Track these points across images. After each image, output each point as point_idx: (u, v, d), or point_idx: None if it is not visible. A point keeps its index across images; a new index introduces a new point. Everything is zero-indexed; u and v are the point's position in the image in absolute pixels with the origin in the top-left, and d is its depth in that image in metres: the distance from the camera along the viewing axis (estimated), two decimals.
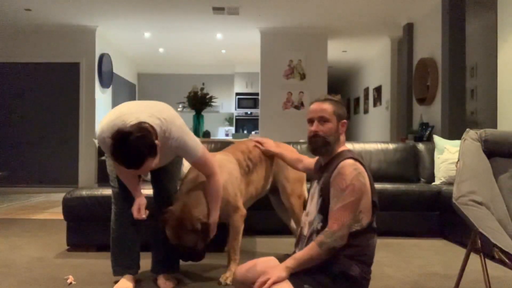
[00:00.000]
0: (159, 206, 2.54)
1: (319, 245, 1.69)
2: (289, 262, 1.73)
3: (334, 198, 1.72)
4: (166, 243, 2.53)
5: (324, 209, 1.78)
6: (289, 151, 2.80)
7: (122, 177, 2.45)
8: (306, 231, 1.86)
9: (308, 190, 2.03)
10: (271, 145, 2.88)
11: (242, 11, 6.85)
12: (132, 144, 2.06)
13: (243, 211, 2.67)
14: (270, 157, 2.91)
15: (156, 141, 2.15)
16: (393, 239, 3.77)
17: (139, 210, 2.41)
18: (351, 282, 1.73)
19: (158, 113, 2.27)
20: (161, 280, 2.53)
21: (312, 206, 1.86)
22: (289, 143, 4.21)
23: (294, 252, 1.90)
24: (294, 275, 1.70)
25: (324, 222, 1.76)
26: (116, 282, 2.50)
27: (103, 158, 3.53)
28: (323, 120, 1.85)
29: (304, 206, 2.21)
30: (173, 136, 2.28)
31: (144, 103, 2.41)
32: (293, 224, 3.12)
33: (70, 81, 7.84)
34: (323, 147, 1.87)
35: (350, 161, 1.75)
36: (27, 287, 2.54)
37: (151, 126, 2.17)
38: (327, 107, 1.86)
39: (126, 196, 2.50)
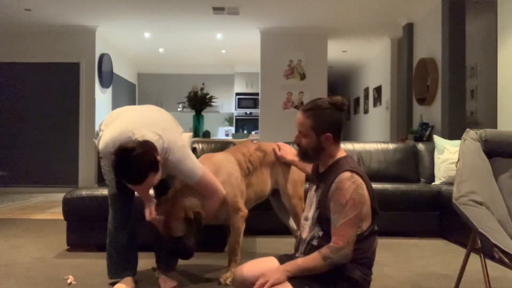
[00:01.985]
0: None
1: (324, 258, 1.68)
2: (290, 266, 1.72)
3: (336, 214, 1.71)
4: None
5: (322, 221, 1.78)
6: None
7: None
8: (305, 235, 1.85)
9: (306, 191, 2.02)
10: (288, 153, 2.88)
11: (242, 11, 6.85)
12: (134, 161, 2.09)
13: (244, 211, 2.66)
14: (271, 161, 2.90)
15: (158, 157, 2.18)
16: (393, 239, 3.77)
17: (150, 213, 2.36)
18: (353, 285, 1.73)
19: (161, 132, 2.30)
20: (161, 280, 2.53)
21: (311, 214, 1.85)
22: (289, 143, 4.21)
23: (294, 254, 1.90)
24: (294, 276, 1.70)
25: (324, 230, 1.76)
26: (112, 284, 2.50)
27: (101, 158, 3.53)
28: (301, 134, 1.84)
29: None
30: (171, 158, 2.30)
31: (148, 116, 2.41)
32: (292, 224, 3.11)
33: (70, 81, 7.83)
34: (305, 158, 1.89)
35: (347, 174, 1.73)
36: (27, 287, 2.54)
37: (153, 144, 2.20)
38: (305, 121, 1.81)
39: (122, 198, 2.50)
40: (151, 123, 2.33)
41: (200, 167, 2.40)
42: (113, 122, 2.42)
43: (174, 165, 2.33)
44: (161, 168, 2.25)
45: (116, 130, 2.28)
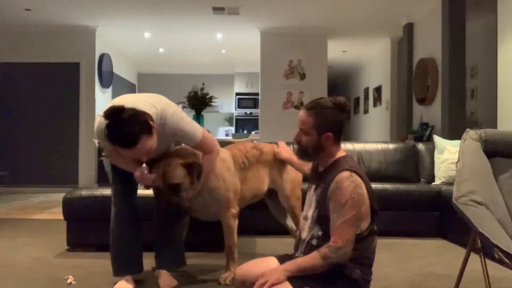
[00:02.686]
0: (159, 206, 2.55)
1: (323, 258, 1.68)
2: (289, 266, 1.72)
3: (335, 213, 1.71)
4: (168, 238, 2.53)
5: (321, 220, 1.78)
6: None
7: (120, 162, 2.40)
8: (305, 235, 1.85)
9: (304, 191, 2.02)
10: (285, 150, 2.88)
11: (242, 11, 6.86)
12: (125, 121, 2.08)
13: (235, 208, 2.63)
14: (268, 160, 2.90)
15: (152, 123, 2.17)
16: (393, 239, 3.77)
17: (142, 175, 2.31)
18: (353, 284, 1.73)
19: (154, 102, 2.30)
20: (161, 280, 2.53)
21: (310, 213, 1.85)
22: (289, 143, 4.21)
23: (294, 254, 1.90)
24: (294, 276, 1.70)
25: (324, 230, 1.76)
26: (115, 283, 2.50)
27: (102, 158, 3.53)
28: (302, 132, 1.84)
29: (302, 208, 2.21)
30: (168, 122, 2.29)
31: (140, 94, 2.43)
32: (291, 224, 3.11)
33: (70, 81, 7.84)
34: (304, 157, 1.89)
35: (346, 173, 1.72)
36: (27, 287, 2.54)
37: (145, 111, 2.19)
38: (308, 119, 1.81)
39: (126, 195, 2.50)
40: (142, 97, 2.34)
41: (199, 126, 2.41)
42: None
43: (173, 130, 2.32)
44: (159, 137, 2.24)
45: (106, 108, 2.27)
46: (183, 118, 2.36)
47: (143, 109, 2.19)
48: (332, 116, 1.81)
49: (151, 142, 2.16)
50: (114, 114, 2.10)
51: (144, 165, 2.38)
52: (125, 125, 2.08)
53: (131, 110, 2.12)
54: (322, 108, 1.81)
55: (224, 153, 2.70)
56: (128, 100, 2.27)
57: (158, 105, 2.29)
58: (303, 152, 1.87)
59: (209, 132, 2.61)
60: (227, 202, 2.59)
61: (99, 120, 2.25)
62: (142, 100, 2.29)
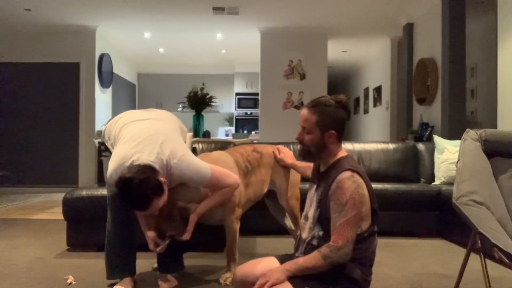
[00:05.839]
0: None
1: (324, 258, 1.68)
2: (290, 266, 1.72)
3: (336, 213, 1.71)
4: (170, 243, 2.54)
5: (322, 220, 1.78)
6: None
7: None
8: (305, 235, 1.85)
9: (304, 192, 2.02)
10: (289, 156, 2.89)
11: (242, 11, 6.86)
12: (136, 189, 2.11)
13: (238, 211, 2.65)
14: (268, 162, 2.91)
15: (162, 178, 2.19)
16: (393, 239, 3.77)
17: (155, 244, 2.37)
18: (353, 284, 1.73)
19: (159, 148, 2.29)
20: (161, 280, 2.53)
21: (311, 213, 1.85)
22: (289, 143, 4.22)
23: (294, 254, 1.90)
24: (294, 276, 1.70)
25: (325, 229, 1.77)
26: (110, 285, 2.49)
27: (102, 158, 3.53)
28: (305, 130, 1.84)
29: (301, 208, 2.21)
30: (174, 171, 2.31)
31: (146, 131, 2.38)
32: (290, 224, 3.11)
33: (70, 81, 7.84)
34: (307, 156, 1.88)
35: (348, 173, 1.73)
36: (27, 287, 2.54)
37: (153, 166, 2.21)
38: (310, 117, 1.81)
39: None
40: (150, 138, 2.33)
41: (206, 167, 2.38)
42: (116, 138, 2.44)
43: (180, 177, 2.34)
44: (168, 182, 2.27)
45: (116, 160, 2.28)
46: (189, 164, 2.34)
47: (150, 162, 2.21)
48: (335, 113, 1.81)
49: (162, 200, 2.21)
50: (124, 185, 2.14)
51: (152, 233, 2.38)
52: (136, 193, 2.12)
53: (141, 174, 2.13)
54: (324, 106, 1.82)
55: (228, 158, 2.70)
56: (132, 151, 2.26)
57: (164, 153, 2.28)
58: (306, 152, 1.86)
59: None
60: (231, 207, 2.61)
61: (112, 183, 2.25)
62: (147, 146, 2.28)
